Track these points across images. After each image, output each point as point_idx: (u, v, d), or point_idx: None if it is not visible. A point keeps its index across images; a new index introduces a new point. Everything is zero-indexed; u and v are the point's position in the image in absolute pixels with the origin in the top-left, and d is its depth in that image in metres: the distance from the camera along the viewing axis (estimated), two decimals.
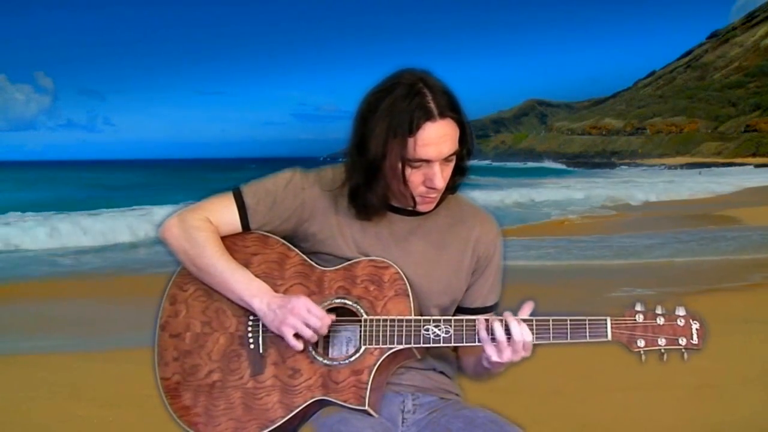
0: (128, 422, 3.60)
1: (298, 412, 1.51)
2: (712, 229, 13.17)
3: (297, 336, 1.50)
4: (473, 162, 1.64)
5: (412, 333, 1.50)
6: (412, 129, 1.45)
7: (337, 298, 1.55)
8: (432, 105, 1.45)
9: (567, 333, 1.47)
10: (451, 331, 1.50)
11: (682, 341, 1.45)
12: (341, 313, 1.55)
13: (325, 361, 1.52)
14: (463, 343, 1.50)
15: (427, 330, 1.51)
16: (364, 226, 1.59)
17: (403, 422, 1.60)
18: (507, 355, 1.47)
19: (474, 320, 1.50)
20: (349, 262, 1.56)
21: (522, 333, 1.46)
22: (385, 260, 1.55)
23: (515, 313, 1.50)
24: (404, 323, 1.51)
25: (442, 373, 1.67)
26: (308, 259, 1.58)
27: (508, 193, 24.08)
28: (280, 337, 1.52)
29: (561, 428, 3.48)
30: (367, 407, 1.48)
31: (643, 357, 1.46)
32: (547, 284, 7.38)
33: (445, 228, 1.63)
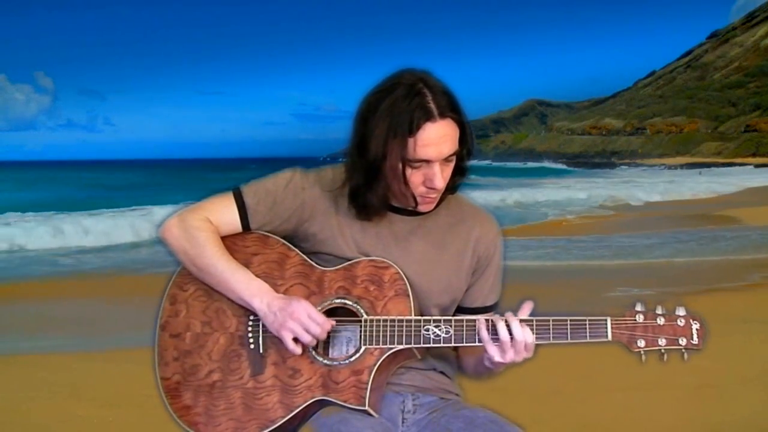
0: (128, 422, 3.61)
1: (298, 412, 1.51)
2: (712, 229, 13.18)
3: (296, 340, 1.51)
4: (473, 162, 1.64)
5: (413, 333, 1.51)
6: (413, 129, 1.45)
7: (337, 298, 1.55)
8: (432, 105, 1.45)
9: (567, 333, 1.47)
10: (452, 331, 1.50)
11: (683, 341, 1.45)
12: (341, 313, 1.55)
13: (326, 361, 1.52)
14: (463, 343, 1.50)
15: (428, 330, 1.51)
16: (364, 226, 1.59)
17: (403, 422, 1.60)
18: (510, 356, 1.48)
19: (474, 320, 1.50)
20: (350, 262, 1.56)
21: (523, 333, 1.46)
22: (386, 260, 1.55)
23: (515, 313, 1.50)
24: (404, 323, 1.51)
25: (442, 373, 1.67)
26: (308, 259, 1.58)
27: (507, 193, 24.06)
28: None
29: (561, 428, 3.48)
30: (367, 407, 1.48)
31: (644, 357, 1.46)
32: (546, 284, 7.37)
33: (446, 228, 1.63)
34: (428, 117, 1.45)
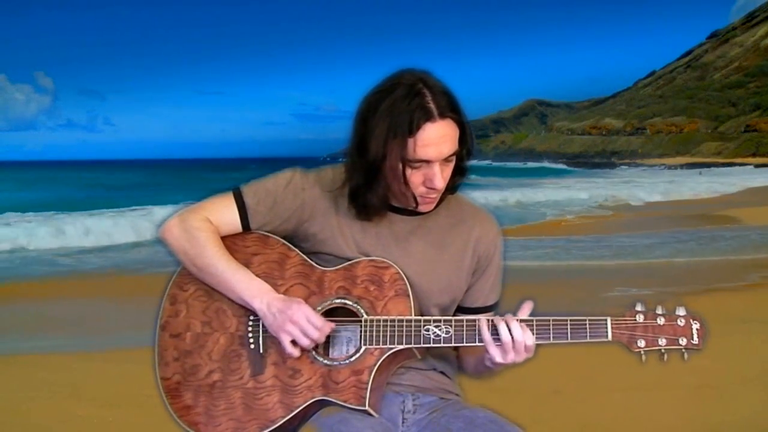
0: (128, 422, 3.61)
1: (298, 412, 1.51)
2: (711, 229, 13.18)
3: (295, 343, 1.51)
4: (473, 162, 1.64)
5: (413, 333, 1.51)
6: (412, 129, 1.45)
7: (338, 298, 1.55)
8: (432, 105, 1.45)
9: (567, 333, 1.47)
10: (452, 331, 1.50)
11: (683, 341, 1.45)
12: (341, 313, 1.55)
13: (326, 361, 1.52)
14: (463, 343, 1.50)
15: (428, 330, 1.51)
16: (364, 226, 1.59)
17: (403, 422, 1.60)
18: (511, 357, 1.48)
19: (474, 320, 1.50)
20: (350, 262, 1.56)
21: (524, 335, 1.46)
22: (386, 260, 1.55)
23: (515, 313, 1.50)
24: (404, 323, 1.51)
25: (442, 373, 1.67)
26: (308, 259, 1.58)
27: (508, 193, 24.06)
28: None
29: (561, 428, 3.48)
30: (367, 407, 1.48)
31: (644, 357, 1.46)
32: (545, 284, 7.38)
33: (446, 228, 1.63)
34: (428, 117, 1.45)
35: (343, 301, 1.55)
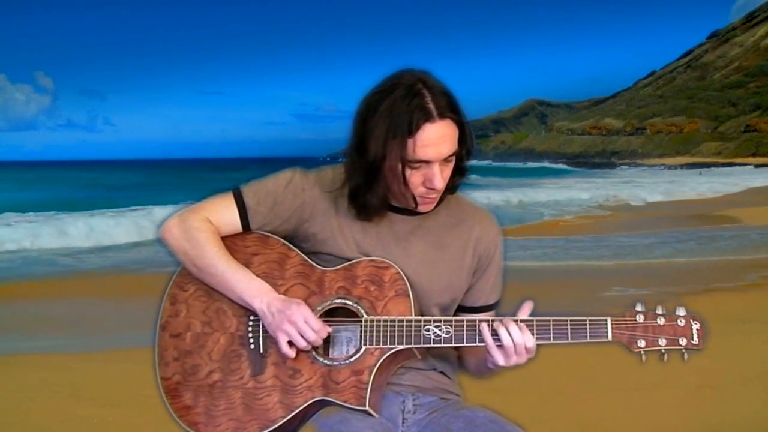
0: (128, 422, 3.60)
1: (298, 413, 1.51)
2: (710, 229, 13.19)
3: (291, 343, 1.51)
4: (473, 162, 1.64)
5: (413, 333, 1.51)
6: (412, 130, 1.45)
7: (338, 298, 1.55)
8: (431, 106, 1.45)
9: (567, 333, 1.47)
10: (452, 332, 1.50)
11: (683, 341, 1.46)
12: (342, 313, 1.55)
13: (326, 361, 1.52)
14: (463, 343, 1.51)
15: (428, 330, 1.51)
16: (364, 226, 1.59)
17: (403, 422, 1.60)
18: (513, 360, 1.48)
19: (474, 321, 1.51)
20: (350, 263, 1.56)
21: (523, 337, 1.46)
22: (386, 260, 1.55)
23: (515, 313, 1.50)
24: (404, 323, 1.51)
25: (442, 373, 1.67)
26: (309, 260, 1.58)
27: (509, 194, 24.05)
28: None
29: (561, 428, 3.48)
30: (367, 407, 1.48)
31: (644, 357, 1.46)
32: (545, 284, 7.37)
33: (446, 227, 1.63)
34: (427, 117, 1.45)
35: (343, 301, 1.55)
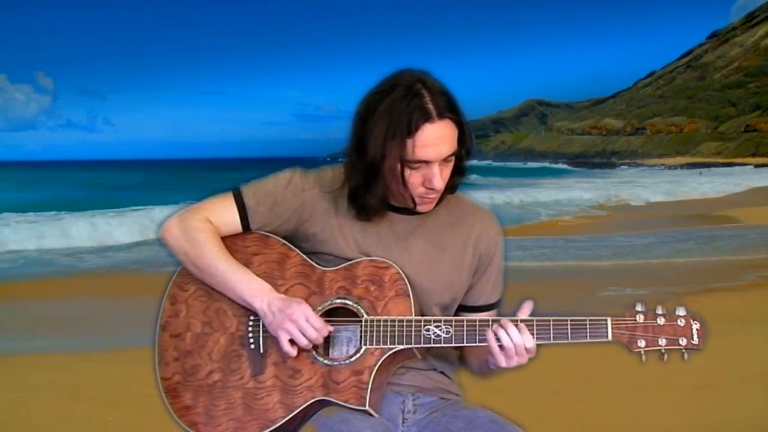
0: (128, 422, 3.61)
1: (298, 413, 1.51)
2: (710, 229, 13.19)
3: (293, 342, 1.51)
4: (473, 162, 1.64)
5: (413, 333, 1.51)
6: (411, 130, 1.45)
7: (338, 298, 1.55)
8: (430, 106, 1.45)
9: (567, 333, 1.47)
10: (452, 332, 1.50)
11: (683, 341, 1.46)
12: (342, 313, 1.55)
13: (326, 361, 1.52)
14: (463, 343, 1.51)
15: (428, 330, 1.51)
16: (364, 226, 1.59)
17: (403, 422, 1.60)
18: (515, 361, 1.48)
19: (475, 321, 1.51)
20: (350, 263, 1.56)
21: (523, 339, 1.47)
22: (386, 260, 1.55)
23: (515, 313, 1.50)
24: (405, 323, 1.51)
25: (442, 373, 1.67)
26: (309, 260, 1.59)
27: (509, 194, 24.05)
28: None
29: (561, 428, 3.48)
30: (367, 407, 1.48)
31: (644, 357, 1.46)
32: (544, 284, 7.37)
33: (446, 227, 1.63)
34: (427, 118, 1.45)
35: (343, 301, 1.55)
